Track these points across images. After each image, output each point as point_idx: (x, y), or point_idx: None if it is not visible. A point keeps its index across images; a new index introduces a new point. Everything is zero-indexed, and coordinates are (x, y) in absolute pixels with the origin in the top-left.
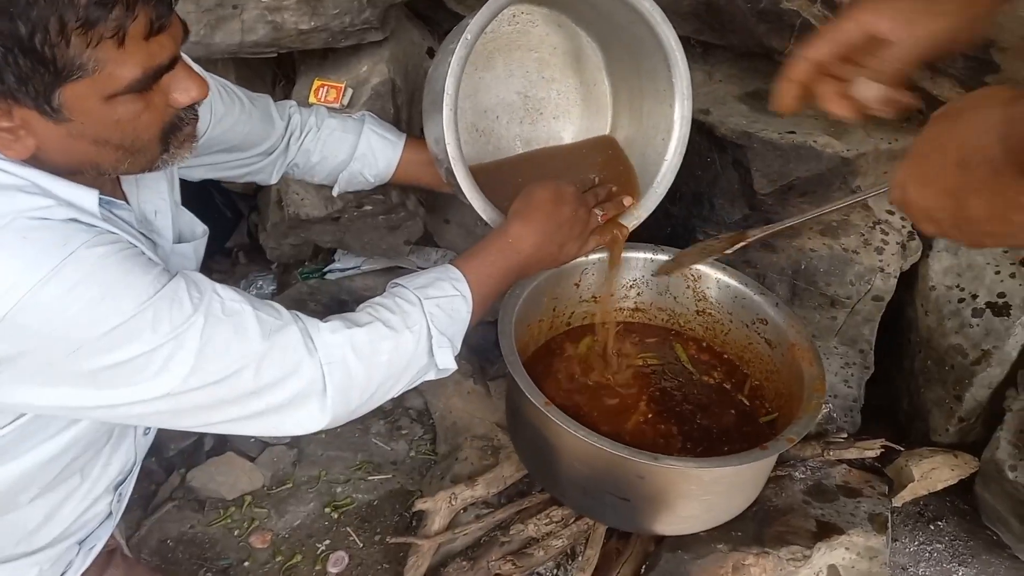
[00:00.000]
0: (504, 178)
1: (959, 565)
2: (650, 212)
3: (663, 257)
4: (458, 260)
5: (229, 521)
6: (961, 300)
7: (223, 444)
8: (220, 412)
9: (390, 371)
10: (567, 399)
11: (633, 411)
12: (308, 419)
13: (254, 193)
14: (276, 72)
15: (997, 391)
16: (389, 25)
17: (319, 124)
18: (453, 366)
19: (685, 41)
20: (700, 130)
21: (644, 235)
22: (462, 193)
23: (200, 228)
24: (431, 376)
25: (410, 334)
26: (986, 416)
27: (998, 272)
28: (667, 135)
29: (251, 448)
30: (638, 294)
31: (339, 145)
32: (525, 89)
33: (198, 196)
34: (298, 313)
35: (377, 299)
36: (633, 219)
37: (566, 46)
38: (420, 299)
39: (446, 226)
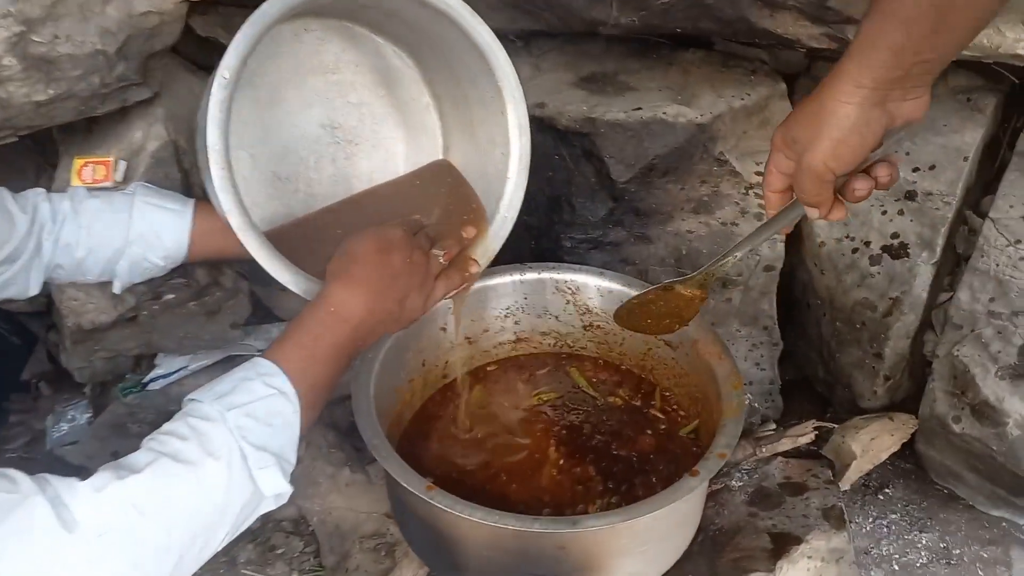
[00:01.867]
0: (319, 235)
1: (920, 532)
2: (503, 240)
3: (532, 275)
4: (271, 349)
5: None
6: (855, 251)
7: None
8: None
9: (196, 523)
10: (462, 468)
11: (543, 461)
12: None
13: (48, 308)
14: (37, 162)
15: (916, 339)
16: (156, 79)
17: (76, 209)
18: (287, 489)
19: (502, 36)
20: (540, 126)
21: (507, 255)
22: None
23: None
24: (266, 507)
25: (214, 463)
26: (911, 368)
27: (884, 212)
28: (506, 148)
29: None
30: (516, 323)
31: (108, 230)
32: (330, 120)
33: None
34: (46, 476)
35: (164, 426)
36: (484, 252)
37: (370, 62)
38: (222, 412)
39: (283, 295)
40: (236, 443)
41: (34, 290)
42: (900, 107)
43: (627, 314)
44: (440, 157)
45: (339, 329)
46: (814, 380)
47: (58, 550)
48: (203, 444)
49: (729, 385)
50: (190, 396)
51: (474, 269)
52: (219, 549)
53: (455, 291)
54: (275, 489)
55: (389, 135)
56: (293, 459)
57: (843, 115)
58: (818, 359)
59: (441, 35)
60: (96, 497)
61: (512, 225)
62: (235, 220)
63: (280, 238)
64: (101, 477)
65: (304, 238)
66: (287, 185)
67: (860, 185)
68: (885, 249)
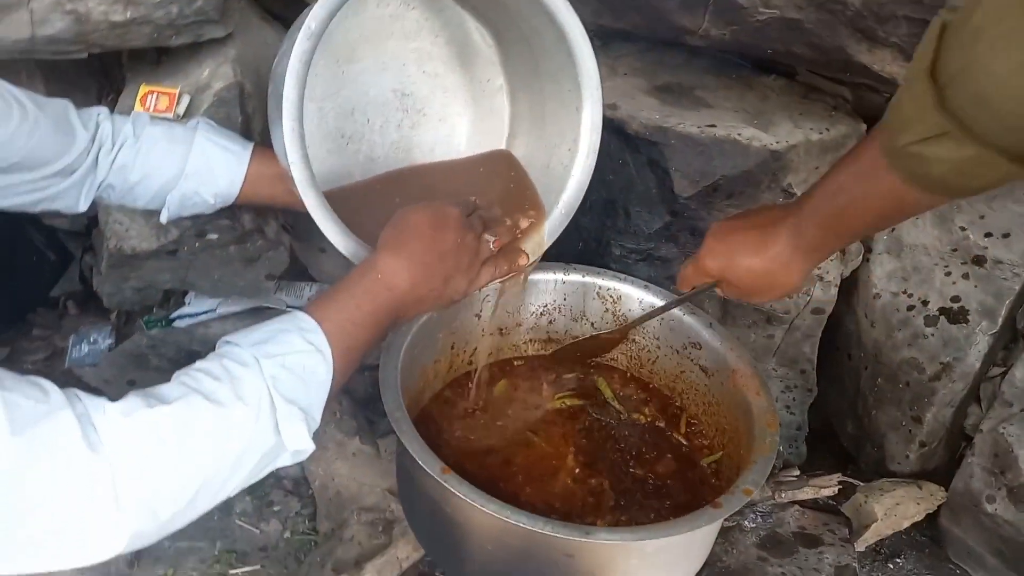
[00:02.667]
0: (375, 201)
1: None
2: (555, 237)
3: (575, 277)
4: (312, 305)
5: None
6: (911, 308)
7: None
8: None
9: (217, 463)
10: (476, 459)
11: (560, 467)
12: (95, 545)
13: (87, 230)
14: (102, 84)
15: (959, 409)
16: (232, 19)
17: (138, 133)
18: (309, 446)
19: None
20: (609, 128)
21: (552, 253)
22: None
23: None
24: (284, 462)
25: (244, 407)
26: (948, 439)
27: (948, 273)
28: (574, 146)
29: None
30: (550, 322)
31: (165, 159)
32: (402, 86)
33: (16, 235)
34: (78, 392)
35: (198, 363)
36: (536, 246)
37: (451, 34)
38: (257, 359)
39: (322, 256)
40: (267, 392)
41: (83, 207)
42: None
43: (561, 351)
44: (504, 143)
45: (382, 297)
46: (841, 434)
47: (79, 467)
48: (235, 387)
49: (764, 422)
50: (226, 339)
51: (523, 261)
52: (234, 493)
53: (499, 279)
54: (298, 444)
55: (457, 111)
56: (319, 419)
57: (793, 287)
58: (849, 413)
59: (531, 23)
60: (123, 421)
61: (567, 222)
62: (298, 173)
63: (336, 199)
64: (130, 402)
65: (360, 202)
66: (349, 144)
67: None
68: (943, 311)
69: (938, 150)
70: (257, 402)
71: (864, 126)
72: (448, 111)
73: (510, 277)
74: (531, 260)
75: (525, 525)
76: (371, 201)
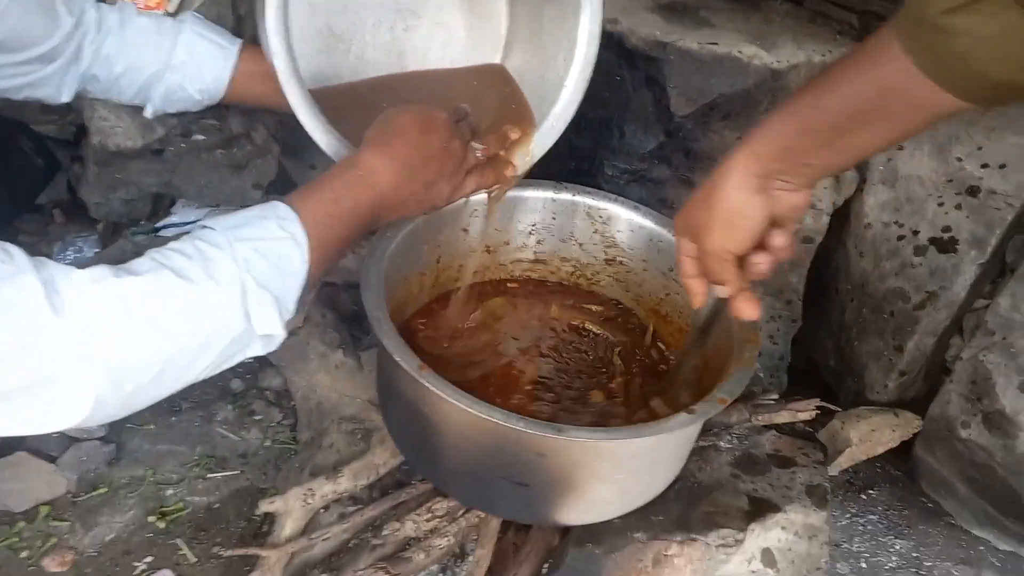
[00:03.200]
0: (363, 103)
1: (895, 537)
2: (545, 151)
3: (565, 196)
4: (291, 195)
5: (16, 540)
6: (901, 237)
7: (15, 441)
8: None
9: (184, 339)
10: (457, 371)
11: (535, 383)
12: (60, 408)
13: (76, 139)
14: None
15: (942, 339)
16: None
17: (124, 23)
18: (280, 332)
19: None
20: (607, 43)
21: (544, 171)
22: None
23: None
24: (254, 350)
25: (214, 286)
26: (928, 369)
27: (941, 204)
28: (569, 56)
29: (51, 446)
30: (539, 241)
31: (150, 50)
32: None
33: (3, 142)
34: (44, 260)
35: (171, 244)
36: (524, 158)
37: None
38: (231, 242)
39: (312, 172)
40: (239, 274)
41: (66, 97)
42: (782, 196)
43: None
44: (501, 52)
45: (363, 194)
46: (823, 369)
47: (41, 330)
48: (207, 267)
49: (744, 337)
50: (202, 222)
51: (510, 172)
52: (200, 377)
53: (485, 189)
54: (268, 328)
55: (453, 16)
56: (292, 308)
57: (732, 199)
58: (833, 347)
59: None
60: (90, 287)
61: (558, 136)
62: (280, 64)
63: (324, 98)
64: (98, 271)
65: (347, 104)
66: (339, 43)
67: (757, 259)
68: (933, 241)
69: (974, 20)
70: (228, 283)
71: None
72: (444, 15)
73: (496, 189)
74: (518, 172)
75: (499, 421)
76: (359, 103)
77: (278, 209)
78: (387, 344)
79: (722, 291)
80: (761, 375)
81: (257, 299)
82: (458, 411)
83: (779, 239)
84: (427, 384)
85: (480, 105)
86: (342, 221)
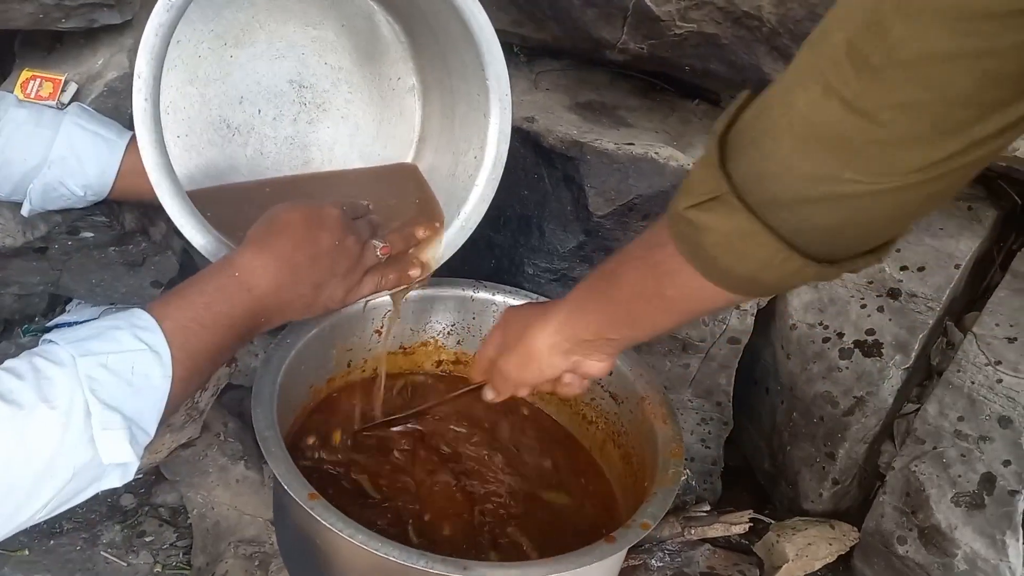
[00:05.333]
0: (258, 205)
1: None
2: (455, 250)
3: (484, 295)
4: (154, 302)
5: None
6: (826, 340)
7: None
8: None
9: (15, 472)
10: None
11: (450, 496)
12: None
13: None
14: None
15: (872, 446)
16: (131, 7)
17: (0, 115)
18: (132, 460)
19: (507, 45)
20: (525, 141)
21: (463, 270)
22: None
23: None
24: (110, 482)
25: (48, 411)
26: (862, 477)
27: (864, 306)
28: (480, 154)
29: None
30: (458, 342)
31: (28, 143)
32: (300, 77)
33: None
34: None
35: (7, 362)
36: (433, 259)
37: (359, 25)
38: (74, 357)
39: None
40: (82, 394)
41: None
42: (583, 362)
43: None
44: (413, 148)
45: (238, 298)
46: (757, 471)
47: None
48: (41, 388)
49: (668, 452)
50: (48, 336)
51: (414, 272)
52: (45, 514)
53: (389, 291)
54: (117, 457)
55: (362, 109)
56: (151, 430)
57: (535, 348)
58: (766, 449)
59: (438, 17)
60: None
61: (469, 235)
62: (149, 156)
63: (215, 199)
64: None
65: (241, 205)
66: (236, 136)
67: (546, 388)
68: (858, 344)
69: (710, 216)
70: (68, 405)
71: None
72: (352, 108)
73: (400, 290)
74: (426, 272)
75: (397, 559)
76: (254, 205)
77: (136, 317)
78: (275, 469)
79: (487, 394)
80: (693, 482)
81: (103, 422)
82: (350, 547)
83: (568, 390)
84: (317, 517)
85: (387, 204)
86: (212, 330)
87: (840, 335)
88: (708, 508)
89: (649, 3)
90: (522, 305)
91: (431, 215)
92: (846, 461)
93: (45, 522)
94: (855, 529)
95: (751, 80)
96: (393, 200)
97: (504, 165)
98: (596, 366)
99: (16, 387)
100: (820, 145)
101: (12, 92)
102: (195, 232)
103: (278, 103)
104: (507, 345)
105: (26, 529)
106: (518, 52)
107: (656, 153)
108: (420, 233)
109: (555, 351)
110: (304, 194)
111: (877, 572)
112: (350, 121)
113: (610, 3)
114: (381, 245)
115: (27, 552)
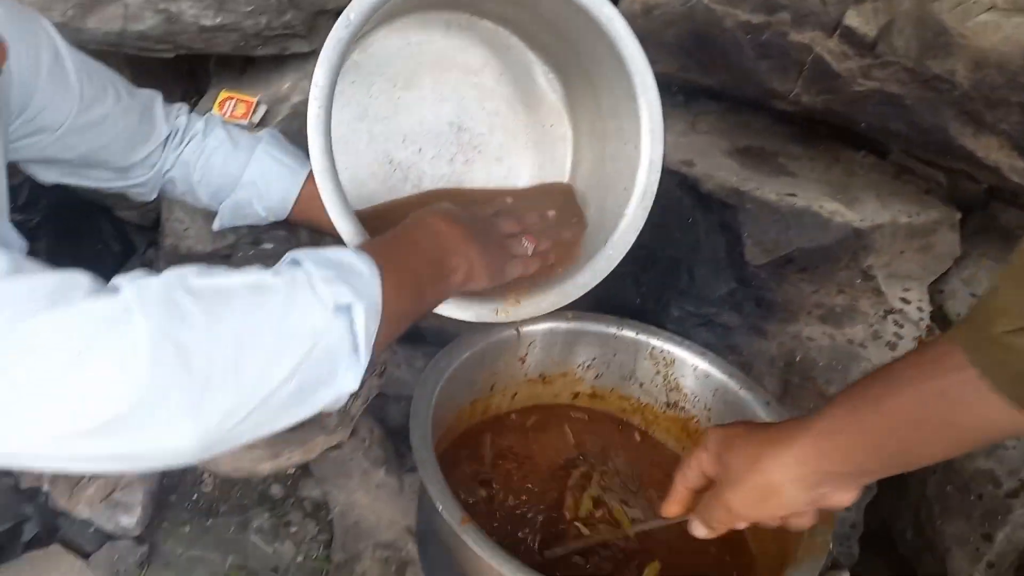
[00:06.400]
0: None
1: None
2: (600, 278)
3: (628, 333)
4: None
5: None
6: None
7: (50, 533)
8: None
9: (254, 339)
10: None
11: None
12: (117, 398)
13: (155, 225)
14: (187, 86)
15: None
16: (319, 35)
17: (206, 132)
18: (356, 302)
19: (665, 85)
20: (682, 185)
21: (608, 306)
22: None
23: (17, 243)
24: (345, 378)
25: (273, 278)
26: (1020, 564)
27: None
28: (630, 184)
29: (87, 540)
30: (596, 376)
31: (225, 163)
32: (460, 120)
33: (85, 223)
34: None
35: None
36: (578, 287)
37: (516, 75)
38: (283, 260)
39: None
40: (301, 270)
41: (151, 196)
42: (829, 495)
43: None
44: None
45: (426, 239)
46: (899, 540)
47: (93, 306)
48: (269, 271)
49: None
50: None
51: (557, 265)
52: (286, 397)
53: (528, 277)
54: (341, 297)
55: (516, 153)
56: (372, 306)
57: (774, 482)
58: (911, 520)
59: (593, 55)
60: (142, 279)
61: (615, 264)
62: (318, 159)
63: (372, 216)
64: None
65: (395, 216)
66: (396, 171)
67: (774, 522)
68: None
69: None
70: (290, 275)
71: (958, 214)
72: (506, 151)
73: (538, 282)
74: (563, 266)
75: None
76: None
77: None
78: (431, 489)
79: (699, 530)
80: (831, 545)
81: (322, 277)
82: (498, 574)
83: (800, 521)
84: (468, 541)
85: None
86: (408, 246)
87: None
88: (847, 575)
89: (829, 59)
90: (734, 429)
91: (577, 218)
92: (1005, 545)
93: (203, 501)
94: None
95: (935, 142)
96: (542, 205)
97: (654, 196)
98: (844, 497)
99: (246, 271)
100: None
101: (212, 111)
102: (351, 234)
103: (438, 143)
104: (733, 479)
105: (187, 507)
106: (676, 91)
107: (820, 207)
108: (566, 235)
109: (800, 485)
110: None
111: None
112: (504, 164)
113: (786, 56)
114: (528, 236)
115: (188, 528)
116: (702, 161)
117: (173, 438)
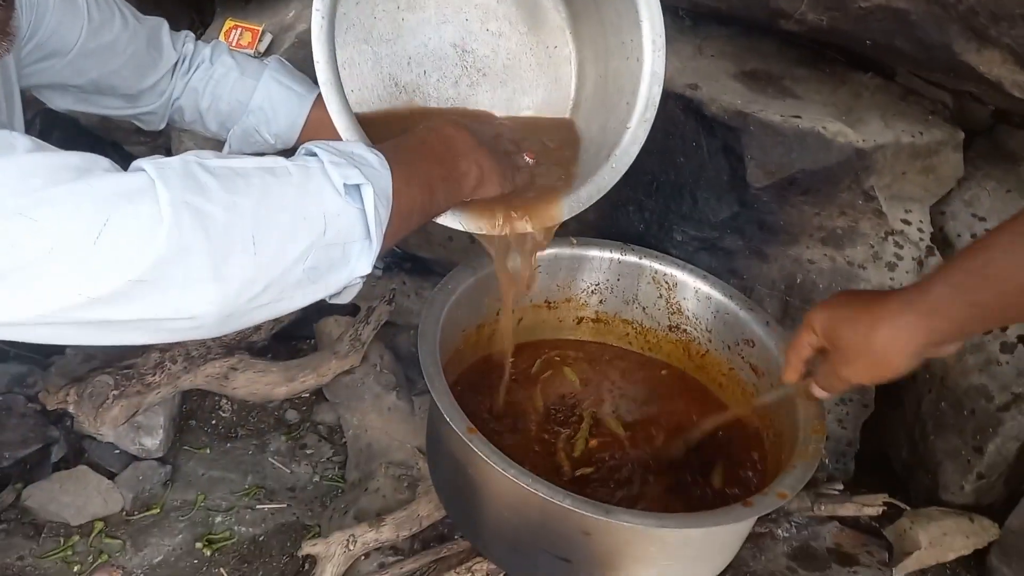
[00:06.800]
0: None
1: None
2: (604, 191)
3: (632, 258)
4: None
5: (70, 553)
6: (987, 332)
7: (76, 455)
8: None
9: (271, 218)
10: (508, 433)
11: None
12: (143, 255)
13: None
14: (193, 17)
15: None
16: None
17: (213, 59)
18: (365, 183)
19: (672, 8)
20: (687, 109)
21: (612, 231)
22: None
23: None
24: (359, 260)
25: (288, 164)
26: (1009, 474)
27: None
28: (632, 99)
29: (112, 461)
30: (600, 301)
31: (232, 89)
32: (463, 42)
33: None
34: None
35: None
36: (581, 201)
37: None
38: (300, 151)
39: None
40: (315, 159)
41: (160, 125)
42: (938, 350)
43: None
44: (568, 113)
45: (437, 142)
46: (894, 458)
47: (118, 179)
48: (276, 160)
49: (810, 428)
50: None
51: (558, 181)
52: (301, 275)
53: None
54: (349, 179)
55: (520, 75)
56: (383, 192)
57: (889, 351)
58: (905, 438)
59: None
60: (161, 158)
61: (619, 177)
62: (323, 71)
63: (374, 122)
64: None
65: (395, 125)
66: (402, 95)
67: None
68: (1022, 340)
69: None
70: (304, 163)
71: (962, 134)
72: (510, 74)
73: (533, 245)
74: (564, 186)
75: (544, 495)
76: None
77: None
78: (439, 403)
79: (820, 393)
80: (826, 460)
81: (332, 161)
82: (503, 479)
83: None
84: (474, 448)
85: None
86: (419, 147)
87: (1004, 329)
88: (841, 487)
89: None
90: (843, 300)
91: (572, 150)
92: (995, 457)
93: (222, 426)
94: (996, 525)
95: (939, 59)
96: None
97: (656, 108)
98: (949, 350)
99: (253, 161)
100: None
101: (218, 39)
102: (347, 129)
103: (442, 66)
104: (849, 350)
105: (207, 431)
106: (683, 14)
107: (824, 128)
108: (561, 159)
109: (910, 356)
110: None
111: (1016, 571)
112: (508, 86)
113: None
114: (528, 151)
115: (208, 451)
116: (707, 84)
117: (194, 300)
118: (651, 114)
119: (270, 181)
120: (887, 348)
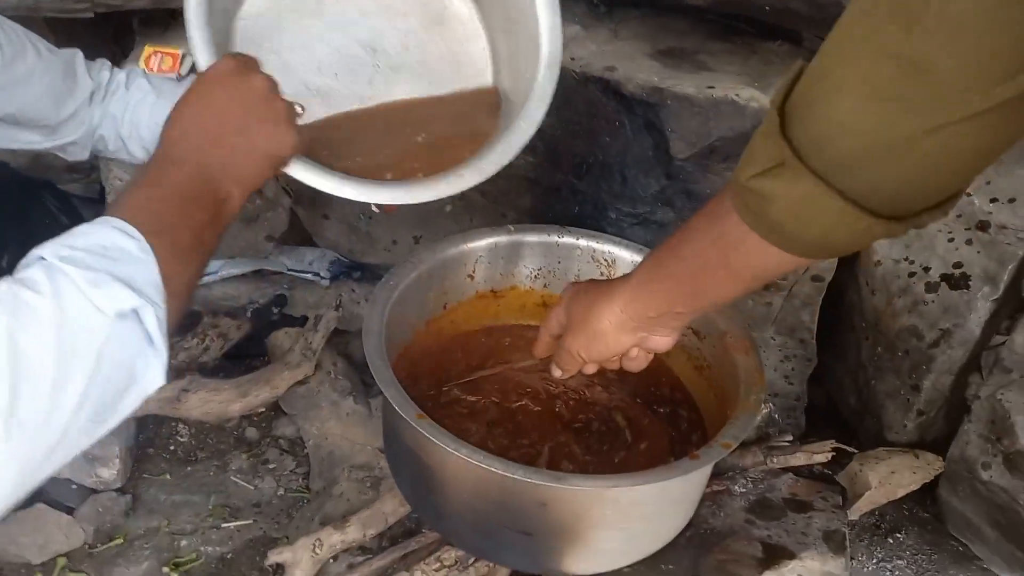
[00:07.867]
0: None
1: None
2: (515, 152)
3: (569, 240)
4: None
5: None
6: (912, 274)
7: (33, 494)
8: None
9: (32, 367)
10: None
11: (549, 426)
12: None
13: (101, 196)
14: (113, 49)
15: (959, 377)
16: None
17: (129, 84)
18: (136, 302)
19: None
20: (606, 90)
21: (548, 216)
22: None
23: None
24: (150, 378)
25: (35, 296)
26: (947, 408)
27: (952, 240)
28: (535, 56)
29: (69, 497)
30: (545, 285)
31: (152, 113)
32: (372, 41)
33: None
34: None
35: None
36: (492, 162)
37: None
38: (41, 256)
39: (326, 222)
40: (63, 275)
41: (83, 155)
42: (649, 338)
43: None
44: (491, 81)
45: (174, 170)
46: (843, 407)
47: None
48: (19, 287)
49: (750, 381)
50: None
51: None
52: (90, 416)
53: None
54: (120, 303)
55: (434, 62)
56: (159, 299)
57: (602, 326)
58: (851, 386)
59: None
60: None
61: (528, 138)
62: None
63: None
64: None
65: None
66: (317, 98)
67: (613, 364)
68: (945, 278)
69: (775, 184)
70: (52, 286)
71: None
72: (425, 68)
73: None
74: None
75: (498, 470)
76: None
77: (95, 221)
78: (385, 392)
79: (555, 371)
80: (776, 416)
81: (88, 280)
82: (456, 460)
83: (634, 364)
84: (425, 433)
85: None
86: (173, 200)
87: (926, 269)
88: (791, 439)
89: None
90: (584, 283)
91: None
92: (932, 392)
93: (181, 451)
94: (940, 458)
95: (832, 16)
96: (459, 117)
97: (558, 65)
98: (662, 341)
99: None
100: (879, 102)
101: (139, 66)
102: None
103: (352, 66)
104: (572, 324)
105: (165, 457)
106: (598, 3)
107: (737, 95)
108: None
109: (622, 329)
110: (382, 123)
111: (962, 499)
112: (424, 79)
113: None
114: (297, 103)
115: (168, 476)
116: (624, 65)
117: None
118: (555, 71)
119: (19, 324)
120: (599, 323)
